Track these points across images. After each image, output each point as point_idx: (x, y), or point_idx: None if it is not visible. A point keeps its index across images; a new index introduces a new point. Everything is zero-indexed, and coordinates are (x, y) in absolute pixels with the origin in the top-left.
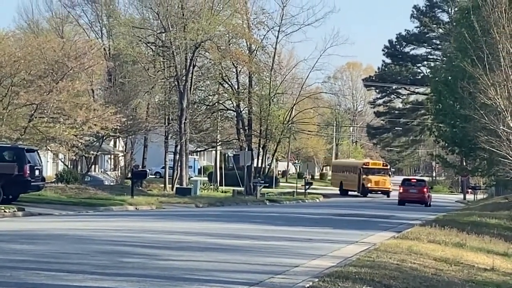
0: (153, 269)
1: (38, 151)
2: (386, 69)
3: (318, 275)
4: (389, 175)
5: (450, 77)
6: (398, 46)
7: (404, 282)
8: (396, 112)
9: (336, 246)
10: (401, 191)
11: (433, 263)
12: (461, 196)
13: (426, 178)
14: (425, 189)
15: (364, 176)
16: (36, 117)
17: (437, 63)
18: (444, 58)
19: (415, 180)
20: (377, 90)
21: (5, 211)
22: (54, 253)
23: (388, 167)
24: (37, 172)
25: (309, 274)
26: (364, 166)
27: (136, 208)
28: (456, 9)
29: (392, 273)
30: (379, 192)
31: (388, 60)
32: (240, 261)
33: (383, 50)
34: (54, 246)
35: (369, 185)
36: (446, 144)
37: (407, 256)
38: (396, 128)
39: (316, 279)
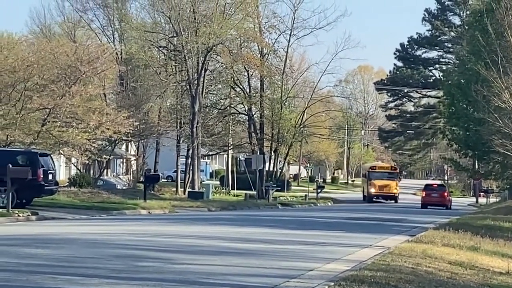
0: (168, 273)
1: (51, 155)
2: (397, 72)
3: (334, 279)
4: (398, 179)
5: (463, 80)
6: (410, 50)
7: (419, 286)
8: (408, 115)
9: (350, 249)
10: (424, 195)
11: (448, 266)
12: (474, 199)
13: (438, 182)
14: (445, 193)
15: (368, 181)
16: (49, 122)
17: (449, 66)
18: (457, 61)
19: (436, 186)
20: (389, 94)
21: (19, 215)
22: (69, 257)
23: (397, 170)
24: (50, 176)
25: (324, 278)
26: (370, 170)
27: (149, 212)
28: (468, 12)
29: (407, 277)
30: (381, 197)
31: (399, 64)
32: (254, 265)
33: (394, 54)
34: (68, 250)
35: (372, 190)
36: (459, 148)
37: (422, 260)
38: (407, 131)
39: (331, 283)
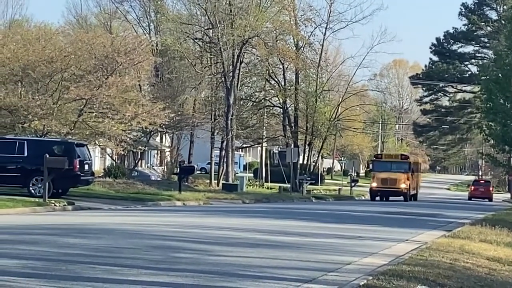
0: (206, 265)
1: (87, 145)
2: (433, 67)
3: (372, 273)
4: (411, 171)
5: (501, 75)
6: (446, 44)
7: (458, 281)
8: (443, 110)
9: (386, 244)
10: (472, 189)
11: (486, 262)
12: (509, 195)
13: (472, 177)
14: (490, 188)
15: (373, 173)
16: (85, 112)
17: (486, 61)
18: (494, 56)
19: (483, 181)
20: (424, 88)
21: (55, 205)
22: (107, 247)
23: (410, 160)
24: (86, 167)
25: (362, 272)
26: (375, 159)
27: (184, 204)
28: (505, 7)
29: (445, 272)
30: (385, 194)
31: (435, 58)
32: (291, 258)
33: (430, 48)
34: (106, 241)
35: (374, 185)
36: (496, 143)
37: (460, 255)
38: (442, 126)
39: (370, 277)
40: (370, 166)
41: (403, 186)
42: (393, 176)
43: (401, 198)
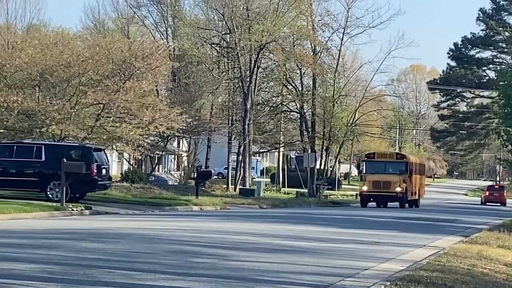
0: (223, 270)
1: (105, 150)
2: (451, 72)
3: (389, 279)
4: (409, 173)
5: None
6: (464, 49)
7: (476, 287)
8: (460, 115)
9: (404, 249)
10: (486, 194)
11: (504, 268)
12: None
13: (489, 183)
14: (504, 193)
15: (364, 176)
16: (103, 117)
17: (503, 66)
18: None
19: (497, 187)
20: (441, 93)
21: (72, 209)
22: (124, 252)
23: (408, 160)
24: (103, 171)
25: (380, 277)
26: (366, 159)
27: (201, 209)
28: None
29: (463, 278)
30: (377, 199)
31: (453, 63)
32: (308, 263)
33: (448, 53)
34: (124, 245)
35: (365, 188)
36: None
37: (478, 261)
38: (460, 131)
39: (387, 283)
40: (361, 167)
41: (398, 189)
42: (387, 178)
43: (397, 204)
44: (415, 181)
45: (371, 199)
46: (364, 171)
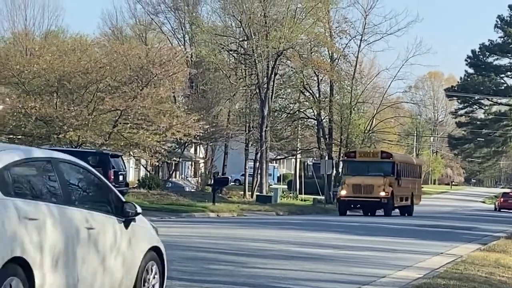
0: (240, 277)
1: (122, 156)
2: (468, 79)
3: (406, 287)
4: (396, 174)
5: None
6: (481, 56)
7: None
8: (478, 122)
9: (421, 257)
10: (501, 201)
11: None
12: None
13: (508, 190)
14: None
15: (343, 178)
16: (120, 123)
17: None
18: None
19: None
20: (459, 100)
21: None
22: None
23: (395, 159)
24: (121, 178)
25: (397, 285)
26: (346, 159)
27: (217, 215)
28: None
29: (481, 286)
30: (358, 205)
31: (470, 70)
32: (325, 271)
33: (465, 60)
34: None
35: (343, 193)
36: None
37: (495, 269)
38: (477, 138)
39: None
40: (340, 168)
41: (382, 194)
42: (369, 181)
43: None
44: (406, 185)
45: (351, 206)
46: (343, 173)
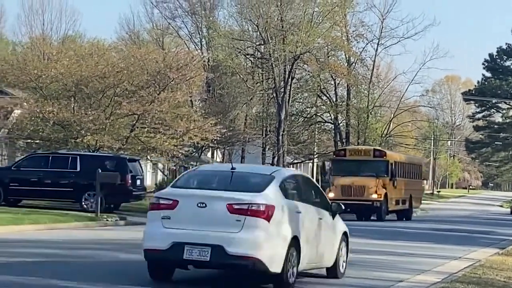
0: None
1: (139, 160)
2: (486, 83)
3: None
4: (390, 175)
5: None
6: (499, 60)
7: None
8: (496, 126)
9: (439, 261)
10: None
11: None
12: None
13: None
14: None
15: (332, 179)
16: (137, 127)
17: None
18: None
19: None
20: (477, 104)
21: (107, 220)
22: None
23: (389, 158)
24: (138, 182)
25: None
26: (335, 158)
27: None
28: None
29: None
30: (348, 209)
31: (488, 74)
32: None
33: (483, 64)
34: None
35: (331, 195)
36: None
37: None
38: (495, 142)
39: None
40: (327, 168)
41: (373, 196)
42: (360, 182)
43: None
44: (403, 186)
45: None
46: (331, 173)
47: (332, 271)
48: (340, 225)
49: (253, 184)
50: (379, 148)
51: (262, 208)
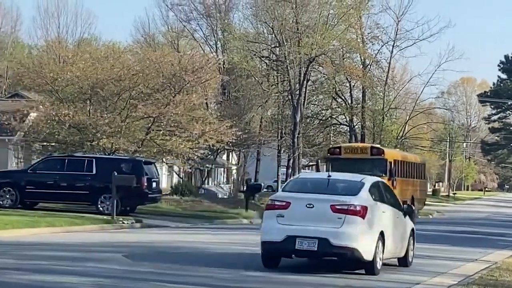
0: (274, 284)
1: (155, 163)
2: (501, 84)
3: None
4: (390, 174)
5: None
6: None
7: None
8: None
9: (455, 263)
10: None
11: None
12: None
13: None
14: None
15: None
16: (153, 130)
17: None
18: None
19: None
20: (492, 106)
21: (123, 223)
22: (176, 265)
23: (387, 156)
24: (154, 184)
25: None
26: (329, 156)
27: (250, 222)
28: None
29: None
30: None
31: (503, 76)
32: (360, 277)
33: (498, 66)
34: (175, 258)
35: None
36: None
37: None
38: (511, 144)
39: None
40: (320, 166)
41: None
42: None
43: None
44: (404, 187)
45: None
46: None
47: (403, 261)
48: (409, 223)
49: (349, 188)
50: (377, 145)
51: (358, 208)
